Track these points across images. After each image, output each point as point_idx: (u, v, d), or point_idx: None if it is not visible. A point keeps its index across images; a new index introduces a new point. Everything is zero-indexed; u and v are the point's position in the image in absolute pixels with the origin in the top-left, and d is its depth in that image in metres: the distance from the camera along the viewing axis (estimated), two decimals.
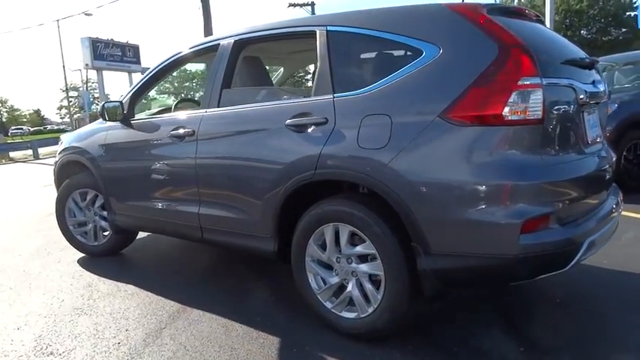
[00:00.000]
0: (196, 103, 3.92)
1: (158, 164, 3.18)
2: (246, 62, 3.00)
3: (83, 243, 3.96)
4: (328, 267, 2.40)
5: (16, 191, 8.91)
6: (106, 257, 3.86)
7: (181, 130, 2.95)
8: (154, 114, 3.67)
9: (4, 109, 78.14)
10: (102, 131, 3.60)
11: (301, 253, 2.45)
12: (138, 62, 32.54)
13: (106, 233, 3.87)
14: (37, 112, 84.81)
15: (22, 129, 62.70)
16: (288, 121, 2.41)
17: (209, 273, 3.43)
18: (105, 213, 3.76)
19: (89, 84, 52.58)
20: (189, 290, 3.09)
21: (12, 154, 17.83)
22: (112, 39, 29.77)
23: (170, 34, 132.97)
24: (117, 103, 3.38)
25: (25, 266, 3.81)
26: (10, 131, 62.37)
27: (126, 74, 32.42)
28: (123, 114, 3.38)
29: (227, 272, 3.43)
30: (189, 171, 2.90)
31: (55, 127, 69.64)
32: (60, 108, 73.63)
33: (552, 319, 2.47)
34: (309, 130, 2.33)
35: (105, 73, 29.97)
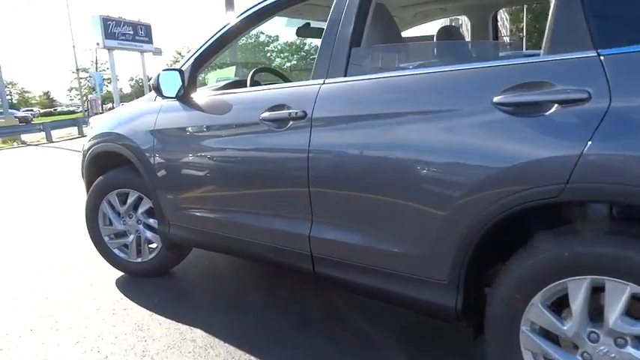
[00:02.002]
0: (279, 76, 2.93)
1: (240, 160, 2.23)
2: (381, 11, 2.00)
3: (122, 259, 3.02)
4: (562, 344, 1.43)
5: (32, 181, 8.02)
6: (153, 277, 2.93)
7: (283, 112, 1.97)
8: (221, 89, 2.69)
9: (15, 91, 78.03)
10: (151, 112, 2.63)
11: (512, 318, 1.47)
12: (150, 42, 31.48)
13: (153, 246, 2.93)
14: (47, 93, 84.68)
15: (32, 110, 62.66)
16: (498, 97, 1.42)
17: (310, 310, 2.48)
18: (152, 221, 2.82)
19: (98, 65, 51.64)
20: (294, 343, 2.14)
21: (24, 136, 16.95)
22: (122, 17, 28.74)
23: (184, 13, 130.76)
24: (175, 73, 2.41)
25: (47, 290, 2.89)
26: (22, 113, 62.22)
27: (138, 54, 31.41)
28: (183, 88, 2.42)
29: (331, 311, 2.48)
30: (296, 172, 1.93)
31: (65, 109, 69.54)
32: (70, 89, 73.17)
33: None
34: (549, 112, 1.34)
35: (115, 53, 28.98)
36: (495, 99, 1.43)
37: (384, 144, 1.68)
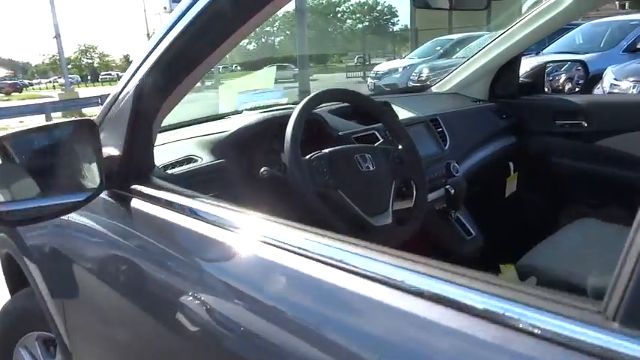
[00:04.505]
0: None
1: None
2: None
3: None
4: None
5: None
6: None
7: None
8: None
9: (96, 55, 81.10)
10: None
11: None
12: None
13: None
14: (126, 57, 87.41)
15: (111, 74, 64.43)
16: None
17: None
18: None
19: None
20: None
21: (84, 110, 16.28)
22: None
23: None
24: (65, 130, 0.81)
25: None
26: (101, 76, 64.40)
27: None
28: (104, 179, 0.81)
29: None
30: None
31: None
32: None
33: None
34: None
35: None
36: None
37: None
